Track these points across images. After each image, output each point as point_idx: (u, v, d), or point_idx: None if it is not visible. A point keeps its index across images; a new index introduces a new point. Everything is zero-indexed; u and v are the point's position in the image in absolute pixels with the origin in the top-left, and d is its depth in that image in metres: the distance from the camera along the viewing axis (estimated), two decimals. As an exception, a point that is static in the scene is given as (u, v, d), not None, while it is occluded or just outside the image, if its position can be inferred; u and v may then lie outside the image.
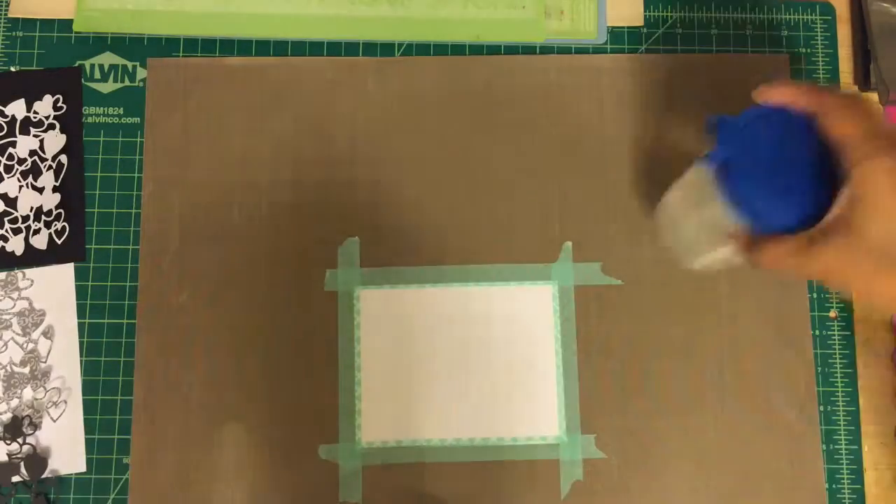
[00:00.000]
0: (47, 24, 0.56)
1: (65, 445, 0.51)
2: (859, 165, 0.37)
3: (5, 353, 0.52)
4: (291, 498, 0.51)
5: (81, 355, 0.52)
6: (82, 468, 0.51)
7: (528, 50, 0.57)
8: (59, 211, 0.54)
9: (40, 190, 0.54)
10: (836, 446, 0.53)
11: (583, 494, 0.52)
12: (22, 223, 0.54)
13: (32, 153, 0.54)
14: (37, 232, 0.54)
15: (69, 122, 0.55)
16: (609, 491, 0.52)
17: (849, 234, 0.37)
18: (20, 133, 0.55)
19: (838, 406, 0.53)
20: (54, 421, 0.52)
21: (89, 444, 0.52)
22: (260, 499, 0.51)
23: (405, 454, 0.52)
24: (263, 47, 0.56)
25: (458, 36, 0.57)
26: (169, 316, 0.53)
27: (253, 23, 0.56)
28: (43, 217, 0.54)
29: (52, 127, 0.55)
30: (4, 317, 0.53)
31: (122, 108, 0.55)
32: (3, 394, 0.52)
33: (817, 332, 0.54)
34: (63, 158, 0.54)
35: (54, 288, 0.53)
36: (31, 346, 0.52)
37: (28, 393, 0.52)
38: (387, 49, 0.57)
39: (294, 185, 0.54)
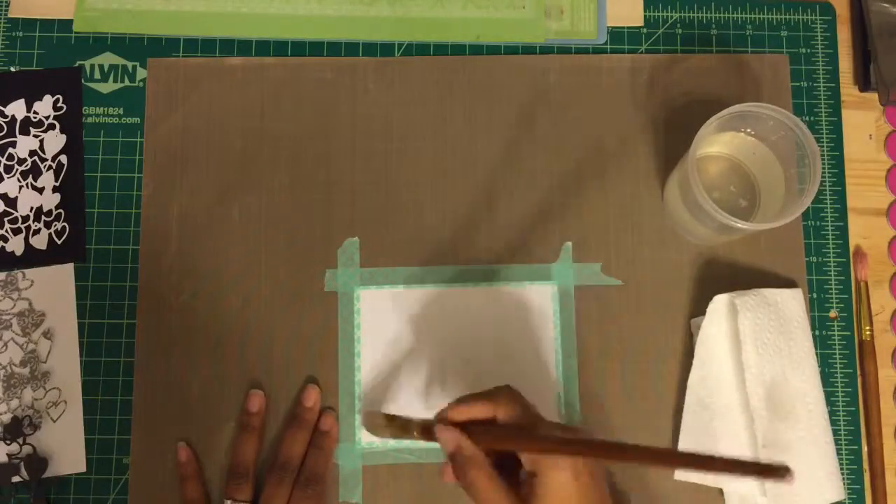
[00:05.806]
0: (47, 24, 0.56)
1: (65, 446, 0.51)
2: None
3: (5, 353, 0.52)
4: (291, 498, 0.51)
5: (81, 355, 0.52)
6: (82, 468, 0.51)
7: (528, 50, 0.57)
8: (59, 211, 0.54)
9: (40, 190, 0.54)
10: (836, 446, 0.53)
11: (583, 494, 0.52)
12: (22, 223, 0.54)
13: (32, 153, 0.54)
14: (37, 232, 0.54)
15: (69, 122, 0.55)
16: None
17: None
18: (20, 133, 0.55)
19: (838, 406, 0.53)
20: (54, 421, 0.52)
21: (89, 445, 0.52)
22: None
23: (405, 454, 0.52)
24: (263, 47, 0.56)
25: (458, 36, 0.57)
26: (169, 316, 0.53)
27: (253, 23, 0.56)
28: (43, 217, 0.54)
29: (52, 127, 0.55)
30: (4, 317, 0.53)
31: (122, 108, 0.55)
32: (3, 394, 0.52)
33: (817, 332, 0.54)
34: (63, 158, 0.54)
35: (54, 288, 0.53)
36: (31, 346, 0.52)
37: (28, 393, 0.52)
38: (387, 49, 0.57)
39: (294, 185, 0.54)
